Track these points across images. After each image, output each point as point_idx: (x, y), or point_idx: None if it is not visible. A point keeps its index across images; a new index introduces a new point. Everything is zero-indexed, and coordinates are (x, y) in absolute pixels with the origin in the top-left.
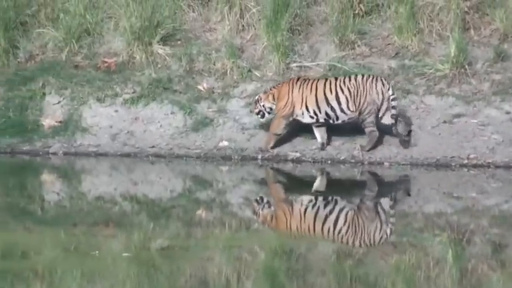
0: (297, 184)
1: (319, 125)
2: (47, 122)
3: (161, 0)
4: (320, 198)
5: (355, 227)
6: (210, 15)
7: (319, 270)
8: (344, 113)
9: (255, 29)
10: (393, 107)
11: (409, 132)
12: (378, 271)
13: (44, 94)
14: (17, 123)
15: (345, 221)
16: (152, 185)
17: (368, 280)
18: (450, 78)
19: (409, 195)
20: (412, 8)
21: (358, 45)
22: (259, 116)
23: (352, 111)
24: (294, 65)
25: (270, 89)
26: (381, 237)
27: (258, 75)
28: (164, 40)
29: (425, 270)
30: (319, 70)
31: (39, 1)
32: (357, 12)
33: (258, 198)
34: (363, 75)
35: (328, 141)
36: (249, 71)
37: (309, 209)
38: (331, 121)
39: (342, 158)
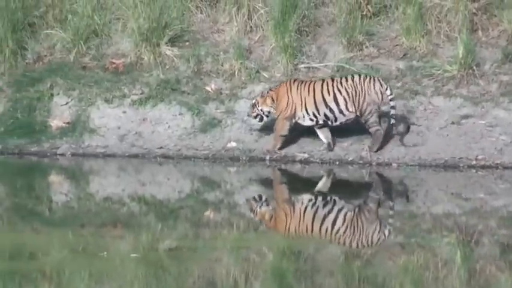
0: (305, 185)
1: (320, 126)
2: (55, 123)
3: (169, 2)
4: (327, 199)
5: (363, 228)
6: (218, 16)
7: (327, 271)
8: (342, 114)
9: (263, 30)
10: (392, 107)
11: (408, 128)
12: (386, 272)
13: (52, 95)
14: (25, 124)
15: (353, 222)
16: (160, 186)
17: (376, 281)
18: (458, 80)
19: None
20: (420, 9)
21: (366, 47)
22: (257, 119)
23: (351, 112)
24: (302, 66)
25: (267, 92)
26: (389, 238)
27: (266, 76)
28: (172, 41)
29: (434, 271)
30: (327, 71)
31: (47, 2)
32: (364, 13)
33: (266, 199)
34: (360, 76)
35: (334, 141)
36: (257, 72)
37: (316, 209)
38: (329, 122)
39: (350, 159)
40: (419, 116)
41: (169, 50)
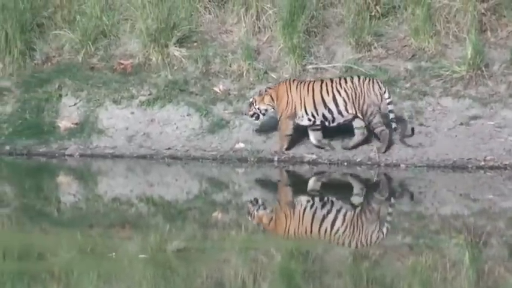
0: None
1: (314, 128)
2: (63, 123)
3: (177, 2)
4: (334, 200)
5: (371, 229)
6: (226, 17)
7: (335, 272)
8: (341, 115)
9: (271, 30)
10: (390, 111)
11: (413, 130)
12: (395, 273)
13: (60, 96)
14: (33, 125)
15: (361, 223)
16: (168, 187)
17: (384, 282)
18: (467, 80)
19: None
20: (429, 10)
21: (375, 47)
22: (253, 118)
23: (350, 113)
24: (310, 66)
25: (265, 91)
26: (398, 239)
27: (274, 77)
28: (180, 42)
29: (442, 272)
30: (335, 72)
31: (55, 3)
32: (373, 14)
33: (274, 200)
34: (359, 77)
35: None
36: (265, 73)
37: (323, 210)
38: (327, 123)
39: (358, 160)
40: (428, 116)
41: (177, 50)
